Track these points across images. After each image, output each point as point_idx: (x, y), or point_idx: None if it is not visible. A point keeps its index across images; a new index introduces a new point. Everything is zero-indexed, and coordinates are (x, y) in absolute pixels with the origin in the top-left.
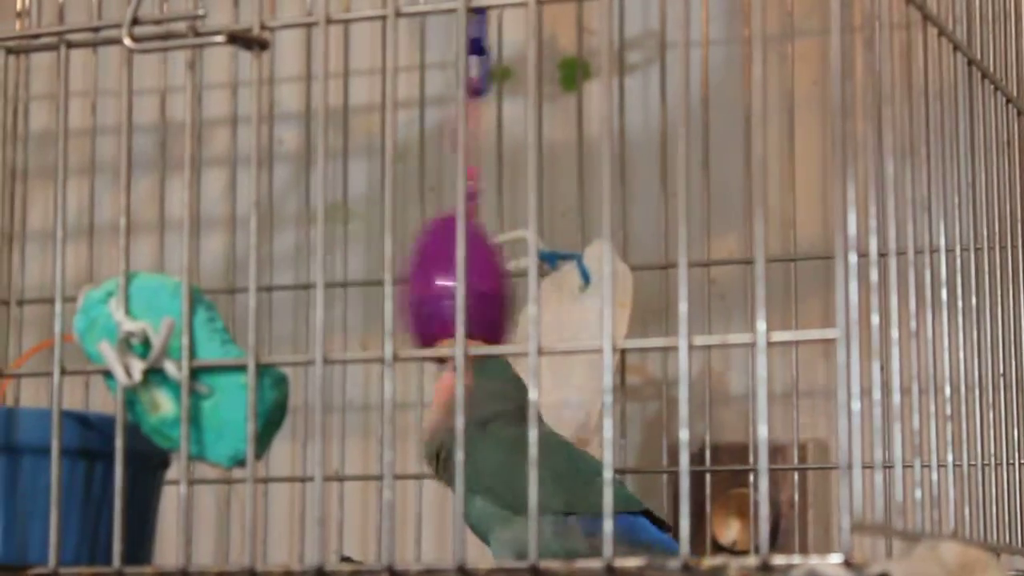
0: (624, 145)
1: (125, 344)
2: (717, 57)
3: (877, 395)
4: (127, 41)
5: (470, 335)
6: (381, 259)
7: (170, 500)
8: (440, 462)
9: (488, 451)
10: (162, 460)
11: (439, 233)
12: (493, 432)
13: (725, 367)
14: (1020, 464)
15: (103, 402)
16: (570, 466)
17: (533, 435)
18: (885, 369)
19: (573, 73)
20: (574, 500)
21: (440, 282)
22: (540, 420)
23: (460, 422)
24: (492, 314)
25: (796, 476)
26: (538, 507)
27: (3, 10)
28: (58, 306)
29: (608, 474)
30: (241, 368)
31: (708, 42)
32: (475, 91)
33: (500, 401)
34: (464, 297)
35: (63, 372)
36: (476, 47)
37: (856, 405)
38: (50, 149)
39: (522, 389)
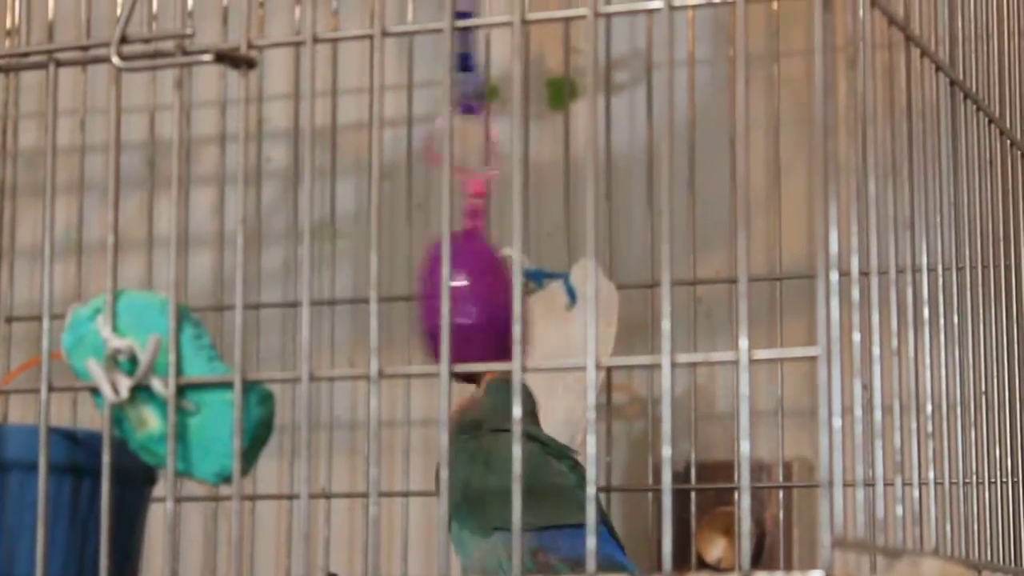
0: (610, 164)
1: (112, 361)
2: (703, 77)
3: (859, 413)
4: (115, 60)
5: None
6: (367, 277)
7: (156, 517)
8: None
9: (457, 465)
10: (149, 477)
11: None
12: (460, 445)
13: (711, 385)
14: (1001, 482)
15: (91, 419)
16: (530, 478)
17: (517, 451)
18: (867, 387)
19: (560, 92)
20: (529, 515)
21: (467, 305)
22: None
23: (444, 439)
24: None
25: (781, 494)
26: (492, 525)
27: None
28: (46, 323)
29: (592, 490)
30: (228, 385)
31: (694, 62)
32: (468, 108)
33: (501, 415)
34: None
35: (51, 389)
36: (464, 63)
37: (838, 422)
38: (39, 167)
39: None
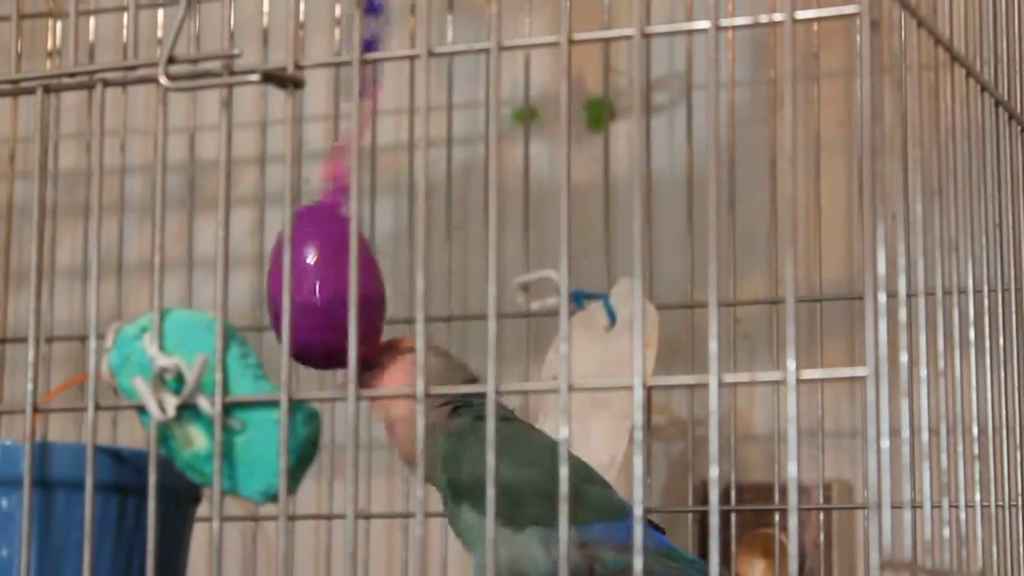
0: (650, 185)
1: (159, 379)
2: (742, 97)
3: (905, 434)
4: (163, 80)
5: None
6: (406, 297)
7: (198, 535)
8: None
9: (477, 455)
10: (194, 495)
11: (310, 227)
12: (479, 433)
13: (749, 406)
14: None
15: (131, 437)
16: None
17: (564, 472)
18: (913, 408)
19: (599, 114)
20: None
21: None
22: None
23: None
24: (375, 319)
25: (821, 516)
26: (527, 520)
27: (35, 49)
28: (92, 342)
29: (638, 511)
30: (274, 404)
31: (734, 83)
32: (368, 45)
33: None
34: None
35: (97, 408)
36: (371, 5)
37: (886, 443)
38: (78, 187)
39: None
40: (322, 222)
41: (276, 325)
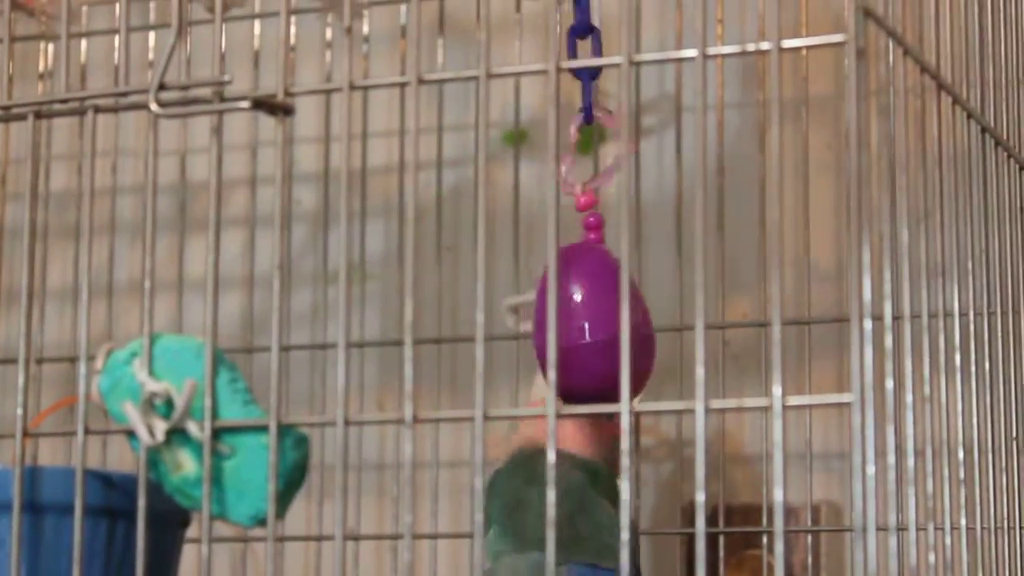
0: (638, 208)
1: (148, 404)
2: (730, 121)
3: (891, 459)
4: (153, 106)
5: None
6: (396, 319)
7: (187, 557)
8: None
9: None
10: (183, 519)
11: (579, 266)
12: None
13: (738, 428)
14: None
15: (120, 461)
16: (580, 512)
17: (551, 496)
18: (899, 433)
19: (589, 137)
20: (573, 547)
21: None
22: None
23: (478, 483)
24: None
25: (809, 538)
26: (536, 543)
27: (26, 73)
28: (82, 365)
29: (625, 535)
30: (263, 428)
31: (723, 107)
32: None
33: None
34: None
35: (87, 431)
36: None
37: (871, 469)
38: (69, 209)
39: None
40: (589, 258)
41: (542, 365)
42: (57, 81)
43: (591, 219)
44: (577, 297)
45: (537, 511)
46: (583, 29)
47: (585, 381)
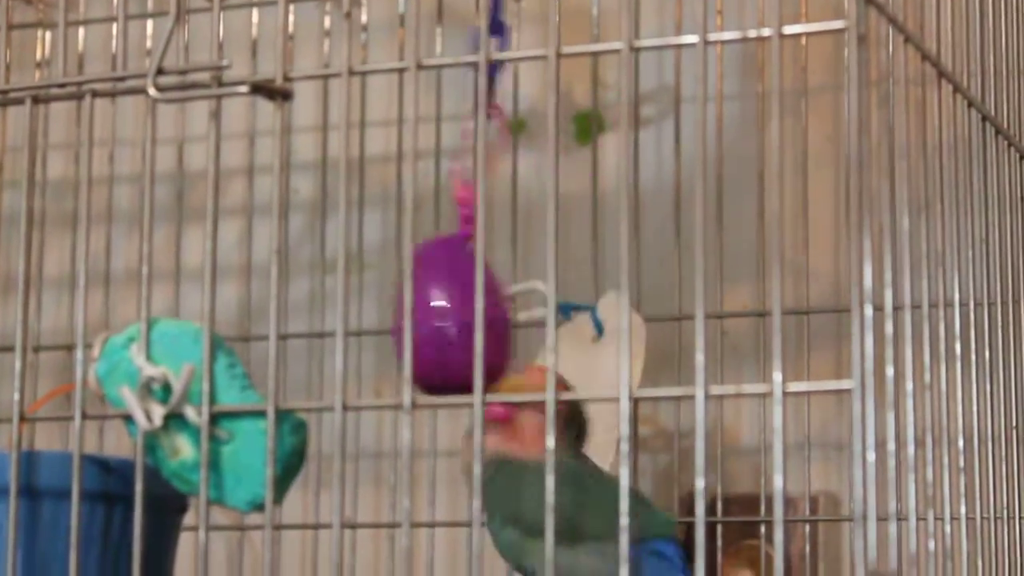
0: (637, 197)
1: (146, 389)
2: (729, 111)
3: (891, 447)
4: (152, 91)
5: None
6: (394, 307)
7: (184, 545)
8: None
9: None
10: (180, 505)
11: (439, 254)
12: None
13: (736, 418)
14: None
15: (117, 446)
16: (609, 494)
17: (550, 482)
18: (899, 421)
19: (587, 126)
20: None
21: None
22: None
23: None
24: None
25: (807, 528)
26: (595, 536)
27: (24, 61)
28: (79, 353)
29: (624, 521)
30: (260, 414)
31: (722, 96)
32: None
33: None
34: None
35: (84, 416)
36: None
37: (871, 456)
38: (66, 197)
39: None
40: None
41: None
42: (55, 69)
43: (466, 211)
44: (437, 288)
45: (577, 503)
46: (495, 27)
47: (443, 370)
